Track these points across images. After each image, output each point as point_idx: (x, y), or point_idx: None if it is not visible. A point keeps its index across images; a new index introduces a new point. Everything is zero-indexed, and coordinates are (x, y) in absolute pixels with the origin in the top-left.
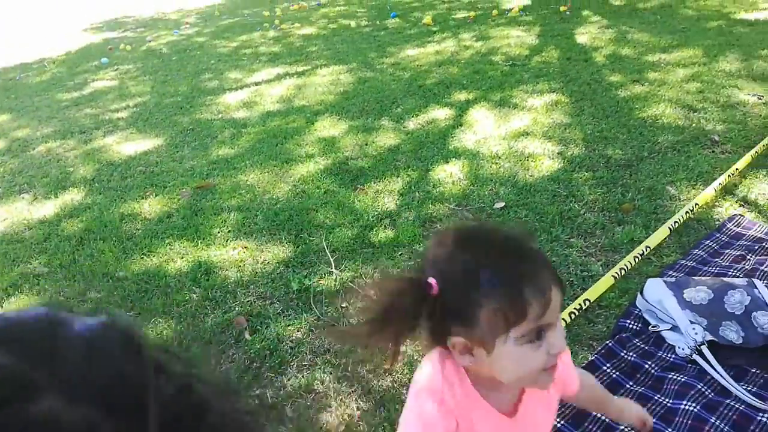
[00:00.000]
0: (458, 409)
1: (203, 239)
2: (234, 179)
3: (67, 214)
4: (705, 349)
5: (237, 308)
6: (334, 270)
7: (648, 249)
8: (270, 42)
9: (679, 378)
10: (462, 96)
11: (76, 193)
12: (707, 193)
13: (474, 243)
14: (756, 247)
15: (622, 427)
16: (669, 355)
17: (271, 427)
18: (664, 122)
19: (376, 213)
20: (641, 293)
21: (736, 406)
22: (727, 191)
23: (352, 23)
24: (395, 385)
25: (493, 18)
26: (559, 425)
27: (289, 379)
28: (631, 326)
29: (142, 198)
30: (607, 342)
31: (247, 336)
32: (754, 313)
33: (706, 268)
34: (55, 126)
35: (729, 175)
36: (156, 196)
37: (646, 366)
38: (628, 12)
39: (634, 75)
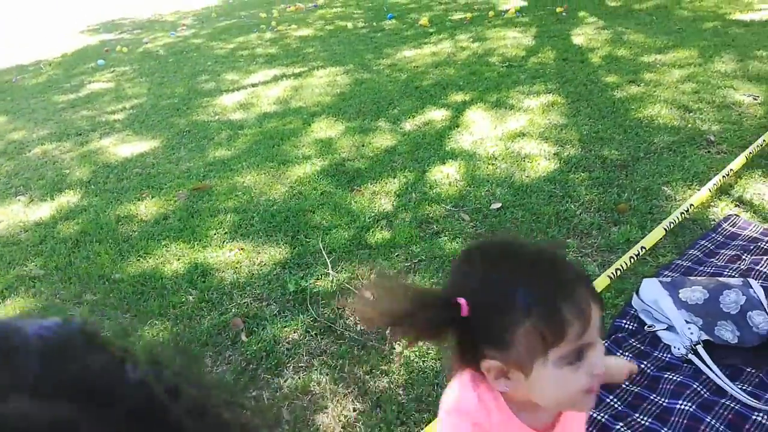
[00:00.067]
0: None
1: (200, 241)
2: (231, 181)
3: (63, 217)
4: (700, 349)
5: (233, 310)
6: (330, 271)
7: (643, 249)
8: (267, 43)
9: (674, 378)
10: (458, 97)
11: (72, 195)
12: (703, 194)
13: (505, 259)
14: (751, 247)
15: (618, 427)
16: (665, 355)
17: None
18: (659, 123)
19: (372, 214)
20: (637, 293)
21: (732, 405)
22: (723, 191)
23: (349, 25)
24: (392, 386)
25: (490, 19)
26: None
27: (285, 381)
28: (627, 326)
29: (139, 200)
30: (604, 342)
31: (243, 338)
32: (750, 312)
33: (702, 268)
34: (51, 128)
35: (724, 176)
36: (152, 197)
37: (642, 366)
38: (624, 13)
39: (630, 76)
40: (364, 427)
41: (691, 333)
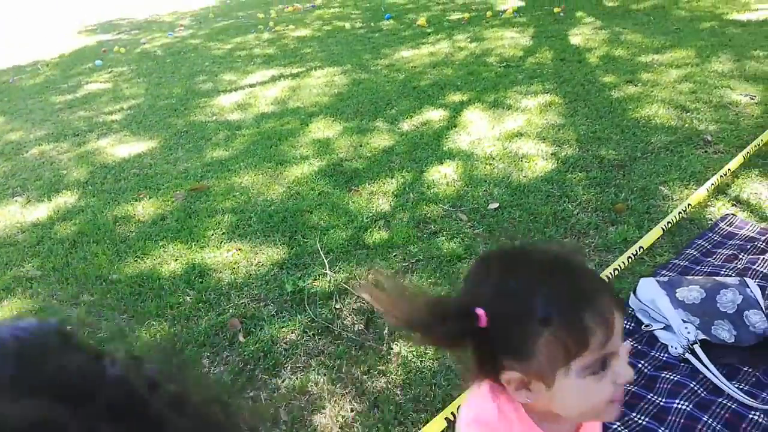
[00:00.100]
0: None
1: (197, 241)
2: (228, 181)
3: (60, 217)
4: (697, 348)
5: (231, 310)
6: (328, 271)
7: (641, 249)
8: (264, 44)
9: (671, 377)
10: (456, 97)
11: (69, 195)
12: (700, 193)
13: (522, 266)
14: (748, 247)
15: (615, 426)
16: (662, 354)
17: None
18: (657, 123)
19: (370, 214)
20: (634, 293)
21: (728, 404)
22: (720, 191)
23: (347, 25)
24: (389, 386)
25: (488, 19)
26: None
27: (283, 381)
28: (624, 325)
29: (136, 200)
30: None
31: (241, 338)
32: (746, 311)
33: (699, 267)
34: (49, 129)
35: (722, 175)
36: (150, 198)
37: (639, 365)
38: (622, 13)
39: (628, 76)
40: (362, 428)
41: (688, 332)
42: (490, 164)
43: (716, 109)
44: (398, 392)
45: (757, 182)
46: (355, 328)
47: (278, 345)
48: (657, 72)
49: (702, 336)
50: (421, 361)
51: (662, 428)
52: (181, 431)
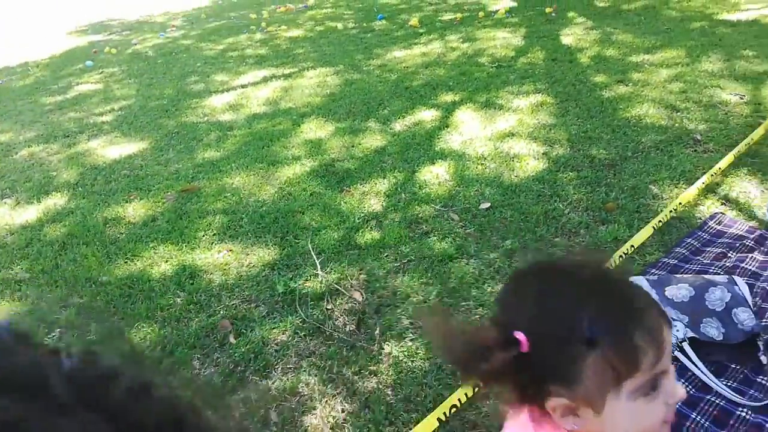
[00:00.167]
0: None
1: (188, 243)
2: (219, 182)
3: (49, 219)
4: (686, 346)
5: (221, 312)
6: (319, 272)
7: (632, 248)
8: (256, 44)
9: None
10: (448, 97)
11: (59, 197)
12: (690, 192)
13: (562, 283)
14: (737, 245)
15: None
16: None
17: (255, 429)
18: (647, 122)
19: (362, 214)
20: None
21: (717, 401)
22: (709, 190)
23: (339, 25)
24: (380, 387)
25: (480, 20)
26: None
27: (273, 382)
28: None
29: (126, 202)
30: None
31: (231, 339)
32: (735, 309)
33: (688, 265)
34: (39, 130)
35: (711, 174)
36: (140, 199)
37: None
38: (613, 13)
39: (619, 75)
40: (353, 428)
41: (677, 330)
42: (482, 164)
43: (706, 108)
44: (389, 392)
45: (746, 181)
46: (347, 329)
47: (269, 346)
48: (648, 72)
49: (691, 334)
50: (412, 361)
51: None
52: (145, 418)
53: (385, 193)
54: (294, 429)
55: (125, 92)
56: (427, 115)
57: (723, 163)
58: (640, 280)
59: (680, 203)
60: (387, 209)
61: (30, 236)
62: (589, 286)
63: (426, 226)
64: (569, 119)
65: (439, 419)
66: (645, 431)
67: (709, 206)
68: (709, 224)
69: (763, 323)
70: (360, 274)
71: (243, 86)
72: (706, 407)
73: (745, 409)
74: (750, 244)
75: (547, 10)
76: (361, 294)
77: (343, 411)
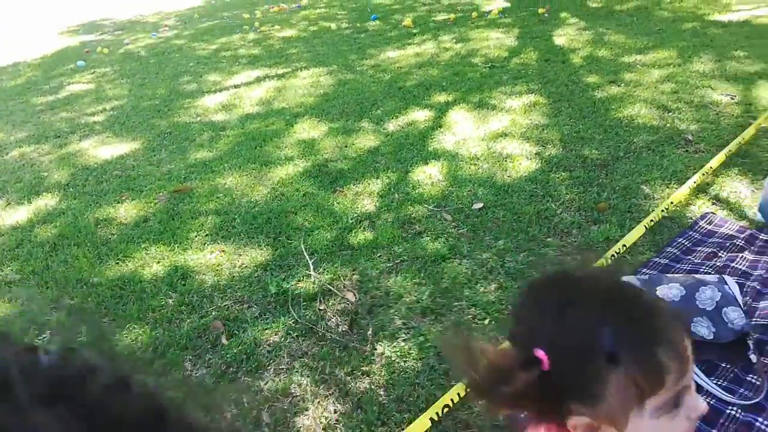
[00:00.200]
0: None
1: (180, 243)
2: (212, 182)
3: (40, 220)
4: None
5: (214, 313)
6: (312, 273)
7: (624, 247)
8: (249, 44)
9: None
10: (441, 98)
11: (50, 198)
12: (682, 191)
13: (581, 296)
14: (727, 244)
15: None
16: None
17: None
18: (639, 122)
19: (355, 215)
20: None
21: (707, 400)
22: (700, 190)
23: (333, 25)
24: (373, 387)
25: (473, 20)
26: None
27: (266, 383)
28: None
29: (118, 202)
30: None
31: (224, 340)
32: (725, 308)
33: (679, 265)
34: (30, 130)
35: (703, 174)
36: (132, 200)
37: None
38: (605, 14)
39: (611, 76)
40: (345, 429)
41: None
42: (475, 164)
43: (697, 108)
44: (382, 393)
45: (736, 181)
46: (339, 329)
47: (261, 347)
48: (640, 72)
49: None
50: (404, 362)
51: None
52: (123, 413)
53: (378, 193)
54: (286, 430)
55: (117, 92)
56: (421, 116)
57: (714, 162)
58: (632, 280)
59: (672, 203)
60: (380, 209)
61: (20, 237)
62: (611, 300)
63: (419, 226)
64: (562, 119)
65: (431, 419)
66: None
67: (700, 206)
68: (700, 224)
69: (753, 322)
70: (353, 274)
71: (236, 86)
72: None
73: (735, 408)
74: (740, 244)
75: (540, 10)
76: (354, 294)
77: (335, 411)
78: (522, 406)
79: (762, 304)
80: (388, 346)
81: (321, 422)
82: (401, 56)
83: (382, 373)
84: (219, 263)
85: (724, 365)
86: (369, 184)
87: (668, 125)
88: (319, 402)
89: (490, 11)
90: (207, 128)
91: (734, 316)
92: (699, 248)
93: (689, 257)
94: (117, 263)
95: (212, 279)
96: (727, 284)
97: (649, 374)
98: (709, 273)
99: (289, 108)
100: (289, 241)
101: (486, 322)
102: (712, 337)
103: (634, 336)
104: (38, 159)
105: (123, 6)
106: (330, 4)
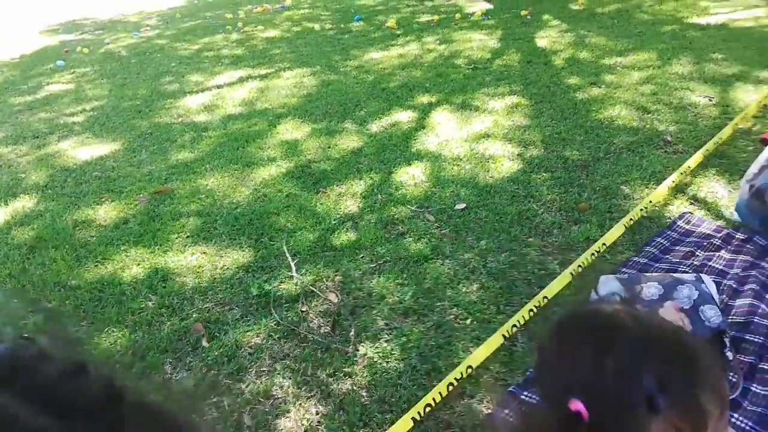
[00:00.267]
0: None
1: (160, 245)
2: (193, 184)
3: (17, 222)
4: None
5: (194, 315)
6: (294, 274)
7: (604, 246)
8: (233, 45)
9: None
10: (425, 99)
11: (27, 199)
12: (661, 190)
13: (618, 338)
14: (704, 244)
15: None
16: None
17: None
18: (619, 123)
19: (338, 216)
20: (595, 289)
21: None
22: (679, 190)
23: (316, 26)
24: (355, 388)
25: (456, 22)
26: None
27: (247, 386)
28: None
29: (97, 204)
30: None
31: (204, 343)
32: (702, 306)
33: (658, 264)
34: (7, 131)
35: (681, 173)
36: (112, 201)
37: None
38: (587, 17)
39: (592, 78)
40: (327, 430)
41: None
42: (458, 165)
43: (676, 110)
44: (364, 394)
45: (714, 181)
46: (322, 331)
47: (243, 349)
48: (620, 74)
49: None
50: (386, 362)
51: None
52: (78, 397)
53: (361, 194)
54: None
55: (97, 92)
56: (404, 117)
57: (692, 162)
58: (611, 279)
59: (651, 201)
60: (363, 210)
61: None
62: (649, 342)
63: (402, 227)
64: (543, 121)
65: (413, 419)
66: None
67: (679, 206)
68: (678, 224)
69: (729, 320)
70: (335, 275)
71: (218, 87)
72: None
73: None
74: (717, 243)
75: (523, 12)
76: (337, 295)
77: (317, 413)
78: None
79: (738, 302)
80: (370, 347)
81: (303, 424)
82: (385, 57)
83: (365, 374)
84: (200, 265)
85: None
86: (352, 185)
87: (647, 126)
88: (300, 404)
89: (474, 13)
90: (189, 129)
91: (711, 314)
92: (677, 247)
93: (667, 256)
94: (96, 266)
95: (193, 281)
96: (704, 283)
97: (691, 420)
98: (687, 272)
99: (272, 109)
100: (272, 243)
101: (468, 322)
102: None
103: (676, 382)
104: (16, 160)
105: (104, 5)
106: (314, 5)
